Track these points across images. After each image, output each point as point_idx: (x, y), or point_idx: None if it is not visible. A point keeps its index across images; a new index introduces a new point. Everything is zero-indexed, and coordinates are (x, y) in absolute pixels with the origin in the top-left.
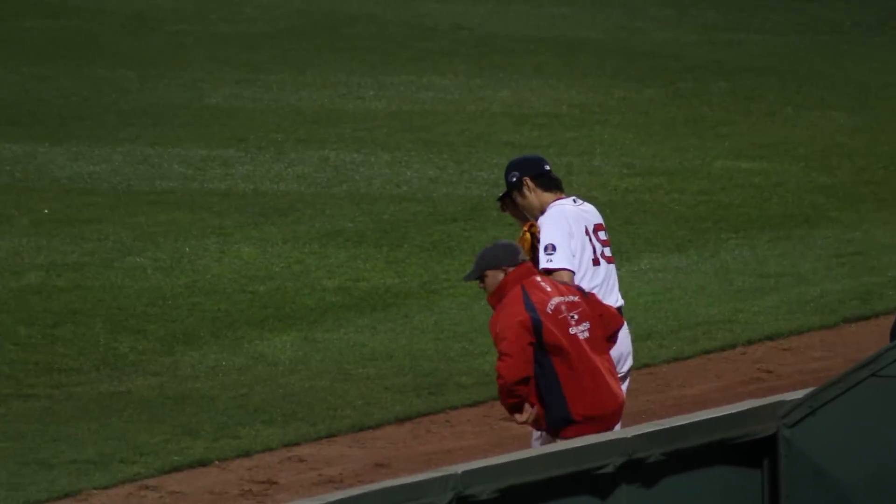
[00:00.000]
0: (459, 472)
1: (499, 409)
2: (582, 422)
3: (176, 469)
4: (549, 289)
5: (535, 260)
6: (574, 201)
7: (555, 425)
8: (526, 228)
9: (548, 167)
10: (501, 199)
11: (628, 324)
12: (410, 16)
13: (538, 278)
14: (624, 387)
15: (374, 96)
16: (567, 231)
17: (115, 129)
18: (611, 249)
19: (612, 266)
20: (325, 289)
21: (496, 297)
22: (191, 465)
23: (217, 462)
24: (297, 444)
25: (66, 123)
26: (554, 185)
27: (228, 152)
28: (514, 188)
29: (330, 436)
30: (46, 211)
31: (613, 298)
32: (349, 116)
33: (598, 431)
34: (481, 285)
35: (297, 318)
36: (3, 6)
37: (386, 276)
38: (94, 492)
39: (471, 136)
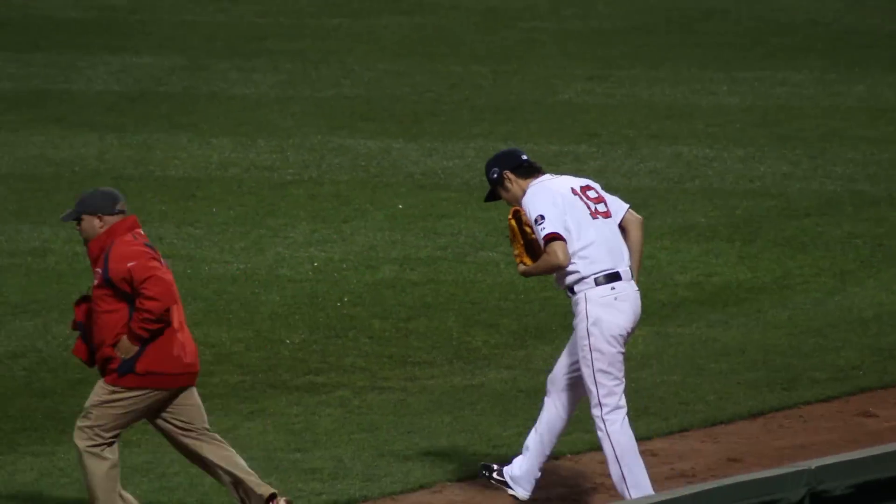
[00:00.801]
0: (813, 467)
1: (854, 404)
2: (144, 375)
3: None
4: (148, 241)
5: (529, 244)
6: (551, 176)
7: (120, 372)
8: (510, 216)
9: (525, 157)
10: (488, 198)
11: None
12: (765, 11)
13: (141, 231)
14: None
15: (727, 92)
16: (551, 200)
17: (468, 124)
18: (605, 206)
19: (611, 221)
20: (678, 283)
21: (98, 243)
22: None
23: (569, 455)
24: (649, 438)
25: (421, 119)
26: (533, 171)
27: (580, 148)
28: (497, 184)
29: (682, 430)
30: (400, 206)
31: (626, 256)
32: (702, 112)
33: (158, 387)
34: (77, 227)
35: (650, 312)
36: (360, 4)
37: (738, 271)
38: (448, 484)
39: (825, 130)
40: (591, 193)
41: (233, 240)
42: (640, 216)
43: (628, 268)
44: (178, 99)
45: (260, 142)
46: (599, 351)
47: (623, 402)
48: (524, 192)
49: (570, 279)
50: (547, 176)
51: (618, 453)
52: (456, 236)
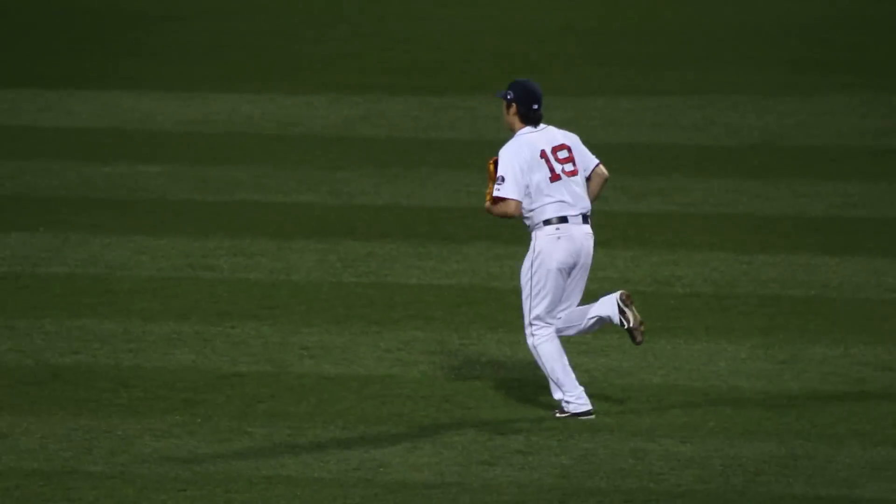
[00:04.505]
0: None
1: None
2: None
3: None
4: None
5: None
6: (531, 129)
7: None
8: (490, 162)
9: (536, 106)
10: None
11: None
12: None
13: None
14: (583, 283)
15: None
16: (519, 165)
17: None
18: (573, 164)
19: (575, 178)
20: None
21: None
22: None
23: None
24: None
25: None
26: (530, 121)
27: None
28: (504, 101)
29: None
30: None
31: (581, 206)
32: None
33: None
34: None
35: None
36: None
37: None
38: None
39: None
40: (562, 154)
41: None
42: (606, 172)
43: (580, 214)
44: None
45: None
46: (539, 276)
47: (550, 321)
48: (511, 128)
49: (527, 223)
50: (528, 129)
51: (543, 359)
52: None
